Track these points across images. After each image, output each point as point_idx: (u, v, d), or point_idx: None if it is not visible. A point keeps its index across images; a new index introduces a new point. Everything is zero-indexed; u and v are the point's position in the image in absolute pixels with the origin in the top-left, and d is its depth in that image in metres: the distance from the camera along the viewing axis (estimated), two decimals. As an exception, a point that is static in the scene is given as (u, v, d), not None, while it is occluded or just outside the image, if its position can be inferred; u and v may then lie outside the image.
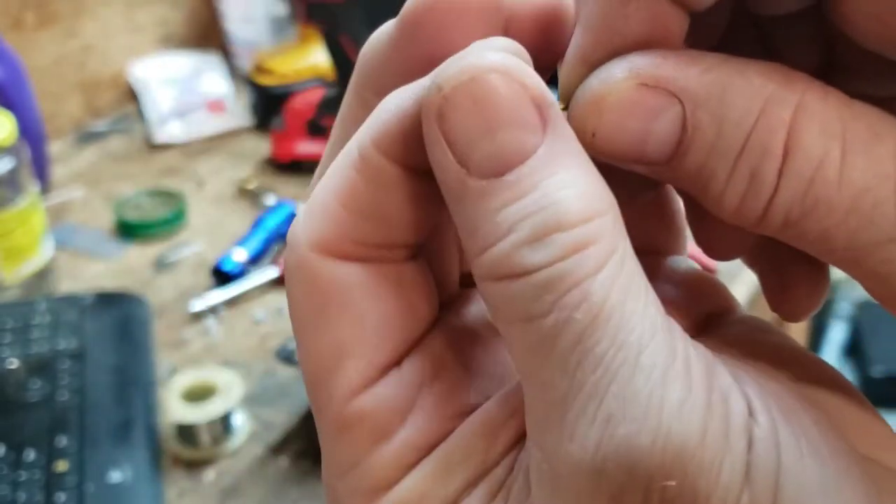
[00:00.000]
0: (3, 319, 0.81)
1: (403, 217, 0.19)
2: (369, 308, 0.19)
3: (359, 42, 1.00)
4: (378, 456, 0.19)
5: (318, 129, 1.06)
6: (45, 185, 1.04)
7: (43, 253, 0.89)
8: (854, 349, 2.03)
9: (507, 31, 0.20)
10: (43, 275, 0.90)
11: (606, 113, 0.18)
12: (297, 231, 0.19)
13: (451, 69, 0.17)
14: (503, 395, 0.20)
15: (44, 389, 0.74)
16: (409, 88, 0.19)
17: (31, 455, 0.68)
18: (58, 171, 1.11)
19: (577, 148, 0.18)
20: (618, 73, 0.18)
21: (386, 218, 0.19)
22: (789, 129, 0.17)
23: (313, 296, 0.19)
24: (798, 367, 0.20)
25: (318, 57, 1.14)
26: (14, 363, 0.75)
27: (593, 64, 0.19)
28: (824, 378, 0.20)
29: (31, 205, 0.86)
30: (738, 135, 0.17)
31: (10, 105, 0.91)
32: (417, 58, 0.19)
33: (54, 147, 1.14)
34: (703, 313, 0.23)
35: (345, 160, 0.19)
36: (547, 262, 0.16)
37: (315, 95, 1.08)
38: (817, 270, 0.23)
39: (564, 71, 0.19)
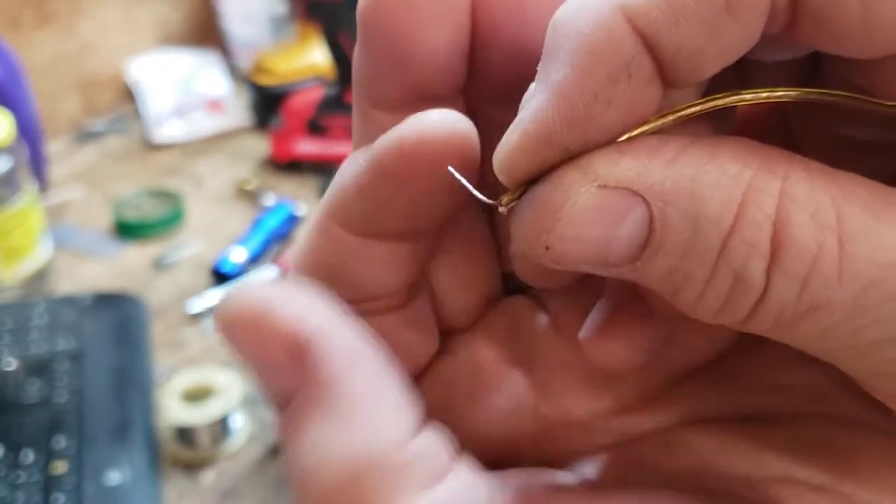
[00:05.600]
0: (2, 320, 0.81)
1: (368, 278, 0.19)
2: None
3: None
4: None
5: (317, 128, 1.06)
6: (44, 184, 1.04)
7: (41, 253, 0.89)
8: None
9: (474, 17, 0.18)
10: (41, 275, 0.89)
11: (563, 226, 0.16)
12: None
13: (228, 302, 0.17)
14: None
15: (42, 390, 0.74)
16: (362, 153, 0.18)
17: (29, 456, 0.68)
18: (56, 171, 1.10)
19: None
20: (573, 177, 0.16)
21: (350, 280, 0.19)
22: (775, 222, 0.15)
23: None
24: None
25: (317, 56, 1.14)
26: (12, 364, 0.75)
27: (555, 148, 0.16)
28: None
29: (29, 205, 0.86)
30: (717, 233, 0.15)
31: (8, 104, 0.91)
32: (389, 59, 0.18)
33: (52, 147, 1.14)
34: None
35: (313, 225, 0.20)
36: None
37: (314, 95, 1.07)
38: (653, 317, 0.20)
39: (518, 146, 0.16)
